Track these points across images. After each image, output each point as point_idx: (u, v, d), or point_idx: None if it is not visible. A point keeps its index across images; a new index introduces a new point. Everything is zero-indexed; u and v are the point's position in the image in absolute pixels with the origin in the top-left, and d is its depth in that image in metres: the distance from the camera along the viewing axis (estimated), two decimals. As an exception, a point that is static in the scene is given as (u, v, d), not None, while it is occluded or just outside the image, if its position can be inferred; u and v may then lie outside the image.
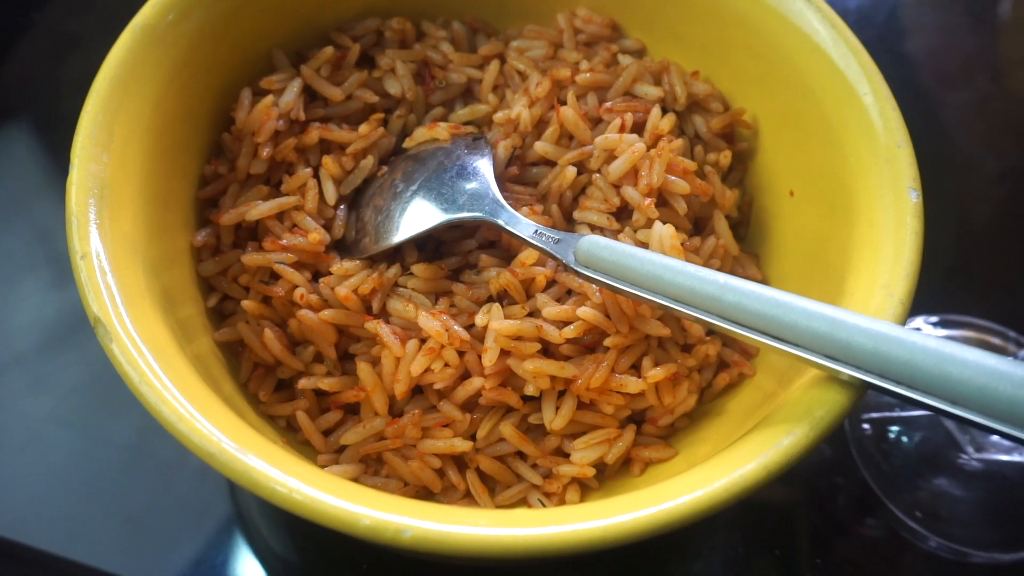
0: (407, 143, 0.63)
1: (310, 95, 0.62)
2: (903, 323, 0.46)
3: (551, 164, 0.61)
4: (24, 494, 0.66)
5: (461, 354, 0.53)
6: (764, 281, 0.61)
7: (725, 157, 0.61)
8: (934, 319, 0.71)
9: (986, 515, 0.63)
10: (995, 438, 0.64)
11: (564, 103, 0.61)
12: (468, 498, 0.54)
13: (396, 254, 0.59)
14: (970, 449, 0.64)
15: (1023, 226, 0.82)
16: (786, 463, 0.42)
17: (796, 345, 0.42)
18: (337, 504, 0.40)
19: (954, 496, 0.64)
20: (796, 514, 0.66)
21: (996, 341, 0.69)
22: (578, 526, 0.40)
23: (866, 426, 0.66)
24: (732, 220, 0.62)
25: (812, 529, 0.66)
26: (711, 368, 0.58)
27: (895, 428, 0.66)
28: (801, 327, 0.42)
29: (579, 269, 0.51)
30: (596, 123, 0.62)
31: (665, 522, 0.40)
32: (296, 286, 0.56)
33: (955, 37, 0.95)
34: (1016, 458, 0.64)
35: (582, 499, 0.54)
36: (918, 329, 0.70)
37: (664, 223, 0.55)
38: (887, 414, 0.66)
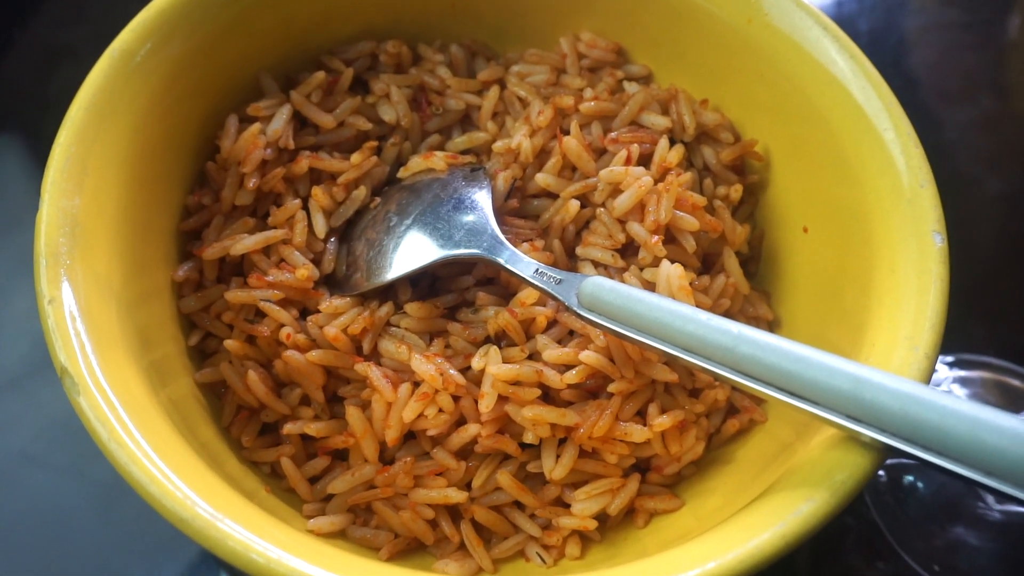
0: (402, 173, 0.60)
1: (300, 122, 0.60)
2: (929, 379, 0.43)
3: (553, 197, 0.58)
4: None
5: (456, 399, 0.51)
6: (776, 320, 0.59)
7: (736, 191, 0.58)
8: (949, 359, 0.68)
9: (1007, 569, 0.60)
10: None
11: (567, 132, 0.58)
12: (462, 550, 0.51)
13: (389, 291, 0.56)
14: (990, 499, 0.61)
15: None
16: (805, 533, 0.39)
17: (815, 403, 0.40)
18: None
19: (973, 547, 0.60)
20: (801, 552, 0.63)
21: (1015, 383, 0.66)
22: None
23: (881, 472, 0.63)
24: (742, 256, 0.59)
25: (817, 569, 0.62)
26: (720, 414, 0.55)
27: (911, 475, 0.63)
28: (822, 384, 0.39)
29: (582, 313, 0.48)
30: (600, 154, 0.59)
31: (674, 597, 0.37)
32: (282, 325, 0.53)
33: (958, 55, 0.92)
34: (1039, 509, 0.61)
35: (583, 552, 0.51)
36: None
37: (672, 261, 0.53)
38: (903, 461, 0.63)
